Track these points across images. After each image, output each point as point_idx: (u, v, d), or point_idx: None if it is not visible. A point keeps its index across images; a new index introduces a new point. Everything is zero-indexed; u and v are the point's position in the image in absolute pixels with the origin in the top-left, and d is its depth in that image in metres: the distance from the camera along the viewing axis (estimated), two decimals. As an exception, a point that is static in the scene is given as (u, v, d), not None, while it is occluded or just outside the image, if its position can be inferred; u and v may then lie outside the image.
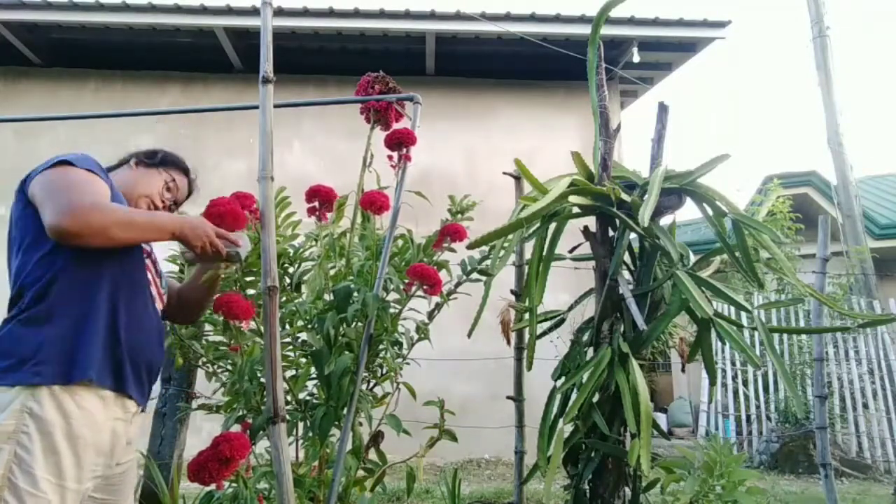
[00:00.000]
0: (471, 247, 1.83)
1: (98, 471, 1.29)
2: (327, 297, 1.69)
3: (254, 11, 5.69)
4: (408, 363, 1.79)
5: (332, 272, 1.73)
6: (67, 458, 1.20)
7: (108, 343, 1.30)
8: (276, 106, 1.45)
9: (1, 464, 1.15)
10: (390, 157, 1.79)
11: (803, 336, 6.41)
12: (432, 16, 5.78)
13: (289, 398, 1.64)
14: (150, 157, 1.66)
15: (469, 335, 2.24)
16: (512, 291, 2.80)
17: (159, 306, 1.52)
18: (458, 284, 1.85)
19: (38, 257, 1.30)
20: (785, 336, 6.64)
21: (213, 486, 1.38)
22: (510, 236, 2.00)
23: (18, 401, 1.18)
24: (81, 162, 1.37)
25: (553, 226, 2.13)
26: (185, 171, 1.74)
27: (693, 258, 2.10)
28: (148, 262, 1.49)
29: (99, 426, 1.27)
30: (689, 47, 6.37)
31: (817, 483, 4.66)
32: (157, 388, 2.37)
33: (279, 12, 5.63)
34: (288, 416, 1.46)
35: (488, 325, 2.35)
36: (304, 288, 1.77)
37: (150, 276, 1.48)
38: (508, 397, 2.82)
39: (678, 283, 1.88)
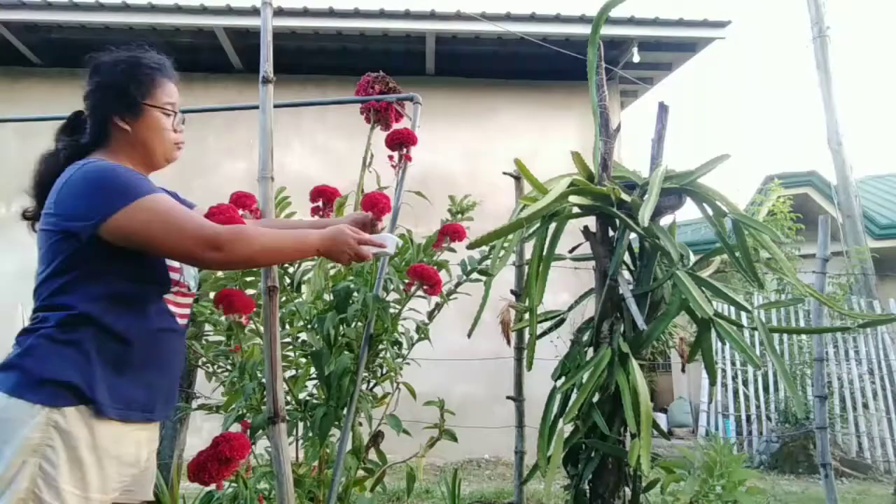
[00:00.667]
0: (471, 247, 1.83)
1: (126, 481, 1.27)
2: (327, 297, 1.69)
3: (254, 11, 5.69)
4: (408, 363, 1.80)
5: (332, 272, 1.73)
6: (92, 470, 1.18)
7: (137, 382, 1.27)
8: (276, 106, 1.45)
9: (26, 477, 1.13)
10: (390, 157, 1.79)
11: (803, 336, 6.41)
12: (432, 16, 5.77)
13: (289, 398, 1.65)
14: (129, 107, 1.35)
15: (469, 335, 2.24)
16: (512, 291, 2.80)
17: (185, 313, 1.40)
18: (458, 284, 1.86)
19: (63, 283, 1.24)
20: (785, 336, 6.64)
21: (213, 486, 1.38)
22: (510, 236, 2.00)
23: (43, 414, 1.15)
24: (132, 187, 1.24)
25: (553, 226, 2.13)
26: (165, 73, 1.40)
27: (693, 258, 2.10)
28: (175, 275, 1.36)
29: (123, 438, 1.25)
30: (689, 47, 6.37)
31: (817, 483, 4.66)
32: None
33: (279, 12, 5.62)
34: (288, 416, 1.46)
35: (488, 325, 2.35)
36: (304, 288, 1.77)
37: (174, 295, 1.35)
38: (508, 397, 2.82)
39: (678, 283, 1.88)
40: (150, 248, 1.25)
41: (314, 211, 1.74)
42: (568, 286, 3.51)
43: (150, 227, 1.22)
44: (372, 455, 1.76)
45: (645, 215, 1.78)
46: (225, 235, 1.23)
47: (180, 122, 1.42)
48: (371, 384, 1.77)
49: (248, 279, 1.70)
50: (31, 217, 1.44)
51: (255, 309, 1.48)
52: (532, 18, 5.84)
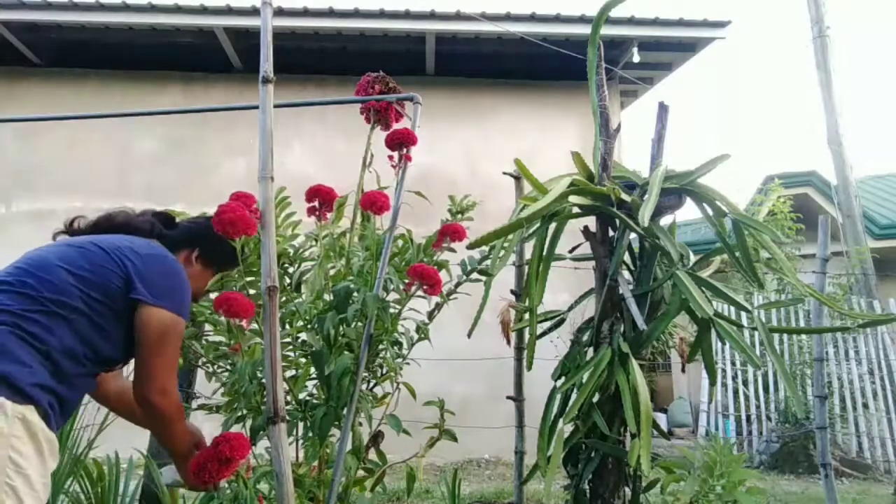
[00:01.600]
0: (471, 247, 1.83)
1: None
2: (327, 297, 1.69)
3: (254, 11, 5.69)
4: (408, 363, 1.79)
5: (332, 272, 1.73)
6: (49, 457, 1.25)
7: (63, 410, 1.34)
8: (276, 106, 1.45)
9: None
10: (391, 157, 1.79)
11: (803, 336, 6.41)
12: (432, 16, 5.77)
13: (289, 398, 1.64)
14: (210, 262, 1.64)
15: (469, 335, 2.24)
16: (512, 291, 2.80)
17: None
18: (458, 284, 1.85)
19: (78, 328, 1.32)
20: (785, 336, 6.64)
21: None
22: (510, 236, 2.00)
23: (9, 407, 1.20)
24: (186, 306, 1.44)
25: (553, 226, 2.13)
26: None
27: (693, 258, 2.10)
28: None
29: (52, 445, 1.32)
30: (689, 47, 6.37)
31: (817, 483, 4.66)
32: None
33: (279, 12, 5.62)
34: (288, 416, 1.46)
35: (488, 325, 2.35)
36: (303, 288, 1.77)
37: None
38: (508, 397, 2.82)
39: (678, 283, 1.88)
40: (145, 346, 1.38)
41: (310, 211, 1.72)
42: (568, 286, 3.51)
43: (164, 339, 1.39)
44: (372, 455, 1.76)
45: (645, 215, 1.78)
46: (173, 392, 1.41)
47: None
48: (371, 384, 1.77)
49: (249, 279, 1.70)
50: (71, 224, 1.56)
51: (255, 312, 1.48)
52: (532, 18, 5.84)
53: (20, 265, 1.37)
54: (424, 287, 1.61)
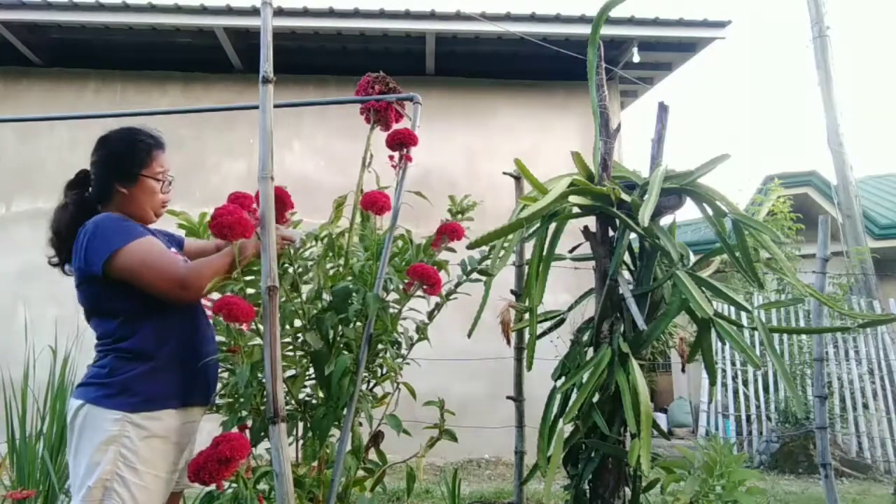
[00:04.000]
0: (471, 247, 1.83)
1: (181, 463, 1.60)
2: (327, 296, 1.69)
3: (254, 11, 5.68)
4: (408, 363, 1.79)
5: (331, 272, 1.73)
6: (160, 455, 1.50)
7: (182, 377, 1.59)
8: (276, 106, 1.45)
9: (109, 461, 1.43)
10: (391, 157, 1.79)
11: (803, 336, 6.41)
12: (432, 16, 5.77)
13: (289, 398, 1.64)
14: (128, 177, 1.63)
15: (469, 335, 2.24)
16: (512, 291, 2.80)
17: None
18: (457, 284, 1.85)
19: (119, 321, 1.55)
20: (785, 336, 6.64)
21: (213, 486, 1.38)
22: (510, 236, 2.00)
23: (120, 413, 1.47)
24: (128, 233, 1.53)
25: (553, 226, 2.13)
26: (158, 146, 1.69)
27: (693, 258, 2.10)
28: None
29: (178, 429, 1.58)
30: (689, 47, 6.36)
31: (817, 483, 4.66)
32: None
33: (279, 12, 5.62)
34: (288, 417, 1.46)
35: (488, 325, 2.35)
36: (303, 287, 1.77)
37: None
38: (508, 397, 2.82)
39: (678, 283, 1.88)
40: (138, 284, 1.51)
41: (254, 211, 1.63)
42: (568, 286, 3.51)
43: (140, 267, 1.50)
44: (372, 455, 1.76)
45: (645, 215, 1.78)
46: (187, 276, 1.50)
47: (168, 184, 1.70)
48: (371, 384, 1.77)
49: (248, 278, 1.70)
50: (55, 264, 1.67)
51: (255, 316, 1.48)
52: (532, 18, 5.84)
53: None
54: (424, 287, 1.61)
